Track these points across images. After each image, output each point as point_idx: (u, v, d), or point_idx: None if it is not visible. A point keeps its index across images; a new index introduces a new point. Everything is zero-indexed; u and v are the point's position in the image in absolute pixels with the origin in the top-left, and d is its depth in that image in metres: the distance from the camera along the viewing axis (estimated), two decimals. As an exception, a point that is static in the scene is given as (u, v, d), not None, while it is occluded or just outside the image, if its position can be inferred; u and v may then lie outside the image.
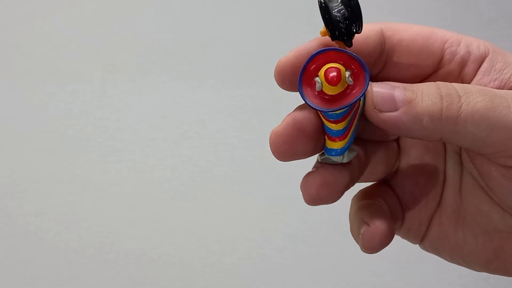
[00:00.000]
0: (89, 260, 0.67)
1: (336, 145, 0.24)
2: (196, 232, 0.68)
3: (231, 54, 0.70)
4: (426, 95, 0.22)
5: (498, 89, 0.24)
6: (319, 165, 0.25)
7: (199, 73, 0.69)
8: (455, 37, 0.25)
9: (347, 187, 0.25)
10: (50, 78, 0.69)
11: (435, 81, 0.25)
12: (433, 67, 0.25)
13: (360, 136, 0.27)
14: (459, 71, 0.25)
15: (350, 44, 0.23)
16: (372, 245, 0.25)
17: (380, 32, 0.25)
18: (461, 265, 0.28)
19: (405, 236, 0.29)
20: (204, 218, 0.68)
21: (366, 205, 0.27)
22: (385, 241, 0.25)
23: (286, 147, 0.24)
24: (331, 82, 0.22)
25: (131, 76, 0.69)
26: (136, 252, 0.68)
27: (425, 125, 0.22)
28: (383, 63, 0.26)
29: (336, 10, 0.23)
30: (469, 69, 0.25)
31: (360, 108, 0.24)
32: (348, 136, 0.24)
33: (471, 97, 0.22)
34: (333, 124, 0.24)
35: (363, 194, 0.28)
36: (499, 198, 0.25)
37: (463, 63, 0.25)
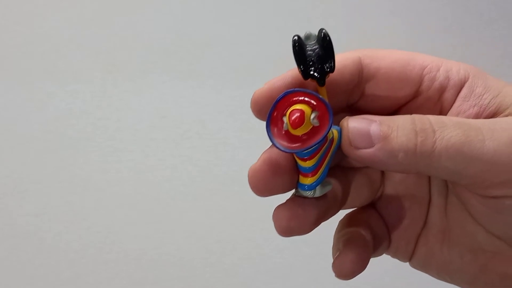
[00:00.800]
0: (89, 260, 0.67)
1: (308, 180, 0.24)
2: (196, 232, 0.68)
3: (231, 54, 0.70)
4: (401, 130, 0.22)
5: (477, 115, 0.24)
6: (291, 197, 0.25)
7: (199, 73, 0.69)
8: (434, 63, 0.25)
9: (321, 219, 0.25)
10: (50, 78, 0.69)
11: (414, 107, 0.26)
12: (412, 94, 0.26)
13: (340, 164, 0.28)
14: (438, 97, 0.25)
15: (322, 83, 0.23)
16: (343, 273, 0.25)
17: (358, 61, 0.25)
18: (448, 282, 0.28)
19: (394, 255, 0.29)
20: (204, 218, 0.68)
21: (344, 234, 0.27)
22: (356, 269, 0.25)
23: (264, 183, 0.24)
24: (292, 125, 0.22)
25: (131, 76, 0.69)
26: (136, 252, 0.68)
27: (400, 160, 0.22)
28: (361, 92, 0.26)
29: (310, 49, 0.23)
30: (448, 94, 0.25)
31: (335, 143, 0.24)
32: (319, 172, 0.24)
33: (446, 131, 0.22)
34: (303, 162, 0.24)
35: (347, 220, 0.28)
36: (481, 223, 0.25)
37: (442, 89, 0.25)
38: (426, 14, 0.71)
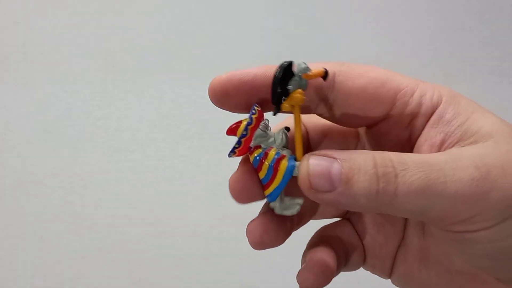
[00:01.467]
0: (89, 260, 0.67)
1: (266, 191, 0.25)
2: (196, 232, 0.68)
3: (231, 54, 0.70)
4: (363, 174, 0.22)
5: (442, 141, 0.24)
6: (262, 210, 0.26)
7: (199, 73, 0.69)
8: (410, 86, 0.25)
9: (291, 230, 0.26)
10: (50, 78, 0.69)
11: (385, 129, 0.26)
12: (382, 116, 0.26)
13: None
14: (408, 122, 0.25)
15: (275, 112, 0.25)
16: (304, 285, 0.27)
17: (331, 77, 0.25)
18: None
19: (372, 271, 0.29)
20: (204, 218, 0.68)
21: (312, 248, 0.28)
22: (317, 284, 0.26)
23: (244, 192, 0.25)
24: (226, 131, 0.25)
25: (131, 76, 0.69)
26: (136, 252, 0.68)
27: (362, 204, 0.22)
28: (329, 106, 0.26)
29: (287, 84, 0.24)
30: (418, 121, 0.25)
31: (284, 162, 0.25)
32: (271, 186, 0.25)
33: (408, 174, 0.22)
34: (257, 172, 0.25)
35: (320, 233, 0.29)
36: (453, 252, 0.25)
37: (413, 115, 0.25)
38: (426, 14, 0.71)
